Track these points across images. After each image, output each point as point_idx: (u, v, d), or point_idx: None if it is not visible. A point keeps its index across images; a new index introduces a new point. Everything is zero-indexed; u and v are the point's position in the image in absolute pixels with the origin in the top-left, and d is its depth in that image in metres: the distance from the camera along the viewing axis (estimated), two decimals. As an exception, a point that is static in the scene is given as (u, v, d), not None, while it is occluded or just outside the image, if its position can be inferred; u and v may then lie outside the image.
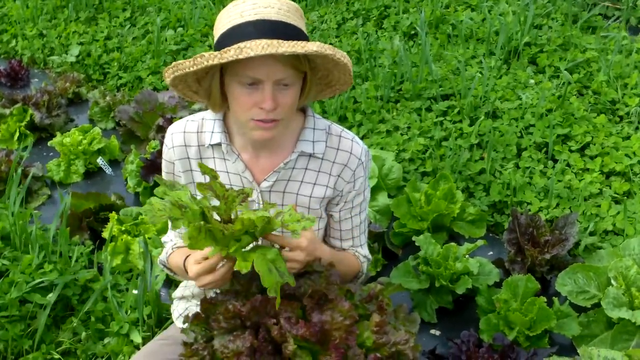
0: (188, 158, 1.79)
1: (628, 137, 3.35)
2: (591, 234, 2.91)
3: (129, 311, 2.58)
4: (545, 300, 2.39)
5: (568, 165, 3.27)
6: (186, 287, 2.03)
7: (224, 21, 1.60)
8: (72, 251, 2.82)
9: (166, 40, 4.91)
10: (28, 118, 4.10)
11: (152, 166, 3.31)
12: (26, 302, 2.59)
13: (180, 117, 3.60)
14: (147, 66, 4.72)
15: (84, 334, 2.54)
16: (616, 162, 3.19)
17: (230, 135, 1.76)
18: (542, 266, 2.67)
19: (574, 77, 3.76)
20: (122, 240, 2.90)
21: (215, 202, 1.53)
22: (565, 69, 3.79)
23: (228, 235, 1.45)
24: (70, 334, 2.56)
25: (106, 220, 3.11)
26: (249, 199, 1.75)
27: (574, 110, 3.51)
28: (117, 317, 2.54)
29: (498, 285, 2.59)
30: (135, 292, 2.57)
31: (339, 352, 1.44)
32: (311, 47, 1.50)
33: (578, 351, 2.30)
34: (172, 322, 2.10)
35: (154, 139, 3.65)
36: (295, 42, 1.50)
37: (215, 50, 1.57)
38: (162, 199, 1.46)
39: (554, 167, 3.26)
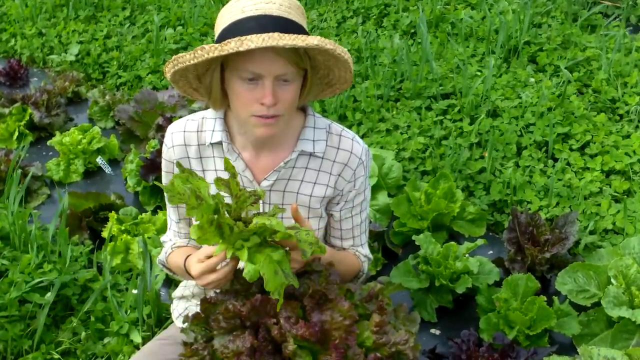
0: (188, 157, 1.79)
1: (628, 136, 3.35)
2: (591, 232, 2.90)
3: (129, 311, 2.58)
4: (545, 299, 2.39)
5: (568, 164, 3.26)
6: (186, 287, 2.03)
7: (226, 17, 1.60)
8: (72, 251, 2.82)
9: (166, 39, 4.90)
10: (27, 117, 4.09)
11: (152, 165, 3.31)
12: (25, 302, 2.59)
13: (180, 116, 3.62)
14: (146, 65, 4.72)
15: (83, 333, 2.54)
16: (616, 161, 3.19)
17: (231, 135, 1.76)
18: (542, 265, 2.67)
19: (574, 76, 3.76)
20: (122, 239, 2.90)
21: (228, 200, 1.53)
22: (565, 68, 3.78)
23: (236, 233, 1.45)
24: (70, 334, 2.56)
25: (106, 219, 3.10)
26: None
27: (574, 109, 3.51)
28: (116, 317, 2.54)
29: (498, 284, 2.59)
30: (135, 291, 2.57)
31: (339, 352, 1.44)
32: (312, 40, 1.50)
33: (578, 350, 2.30)
34: (172, 321, 2.10)
35: (153, 138, 3.64)
36: (296, 35, 1.50)
37: None
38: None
39: (554, 165, 3.25)
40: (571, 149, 3.33)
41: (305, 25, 1.62)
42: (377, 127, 3.69)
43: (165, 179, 1.86)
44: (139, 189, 3.46)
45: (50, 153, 3.99)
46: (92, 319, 2.58)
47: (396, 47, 4.20)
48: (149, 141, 3.66)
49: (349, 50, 4.32)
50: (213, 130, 1.74)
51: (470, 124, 3.56)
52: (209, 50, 1.51)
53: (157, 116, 3.77)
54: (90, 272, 2.76)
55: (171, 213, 1.90)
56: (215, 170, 1.77)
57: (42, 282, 2.61)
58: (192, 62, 1.54)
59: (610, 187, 3.10)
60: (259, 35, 1.48)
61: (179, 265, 1.79)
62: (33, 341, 2.52)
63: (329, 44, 1.53)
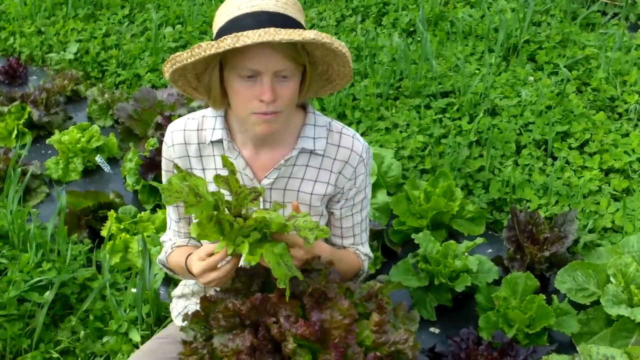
0: (188, 156, 1.79)
1: (627, 134, 3.35)
2: (590, 231, 2.90)
3: (128, 310, 2.57)
4: (545, 297, 2.39)
5: (567, 162, 3.26)
6: (185, 286, 2.02)
7: (223, 15, 1.60)
8: (71, 250, 2.82)
9: (165, 37, 4.89)
10: (26, 116, 4.09)
11: (151, 164, 3.31)
12: (24, 300, 2.59)
13: (179, 115, 3.62)
14: (145, 63, 4.71)
15: (82, 332, 2.54)
16: (615, 160, 3.19)
17: (231, 133, 1.76)
18: (541, 264, 2.67)
19: (573, 74, 3.76)
20: (121, 238, 2.90)
21: (228, 197, 1.53)
22: (564, 66, 3.78)
23: (236, 229, 1.45)
24: (69, 333, 2.56)
25: (105, 218, 3.10)
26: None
27: (573, 108, 3.51)
28: (115, 315, 2.54)
29: (497, 283, 2.59)
30: (134, 290, 2.57)
31: (339, 350, 1.44)
32: (309, 34, 1.49)
33: (577, 349, 2.30)
34: (171, 320, 2.10)
35: (152, 137, 3.64)
36: (292, 30, 1.49)
37: None
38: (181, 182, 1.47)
39: (553, 164, 3.25)
40: (570, 148, 3.33)
41: (302, 21, 1.62)
42: (376, 126, 3.69)
43: (165, 178, 1.86)
44: (138, 187, 3.46)
45: (49, 152, 3.98)
46: (91, 317, 2.58)
47: (395, 46, 4.20)
48: (148, 140, 3.66)
49: (348, 48, 4.32)
50: (213, 129, 1.74)
51: (470, 122, 3.56)
52: (206, 48, 1.51)
53: (156, 114, 3.77)
54: (89, 271, 2.76)
55: (171, 212, 1.90)
56: (216, 168, 1.77)
57: (41, 281, 2.60)
58: (189, 60, 1.54)
59: (609, 185, 3.10)
60: (255, 31, 1.47)
61: (180, 265, 1.79)
62: (32, 340, 2.52)
63: (325, 37, 1.52)
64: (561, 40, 4.06)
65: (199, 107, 3.60)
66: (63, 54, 5.10)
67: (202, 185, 1.48)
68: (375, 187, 3.10)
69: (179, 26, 5.02)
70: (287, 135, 1.75)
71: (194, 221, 1.46)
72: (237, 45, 1.47)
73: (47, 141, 3.84)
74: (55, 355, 2.48)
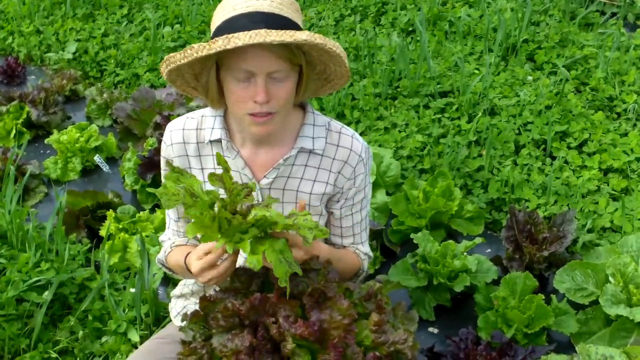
0: (187, 155, 1.79)
1: (626, 134, 3.35)
2: (589, 231, 2.91)
3: (127, 310, 2.57)
4: (543, 297, 2.39)
5: (566, 162, 3.26)
6: (185, 285, 2.02)
7: (219, 15, 1.60)
8: (69, 249, 2.82)
9: (163, 37, 4.89)
10: (25, 115, 4.08)
11: (150, 164, 3.30)
12: (23, 300, 2.58)
13: (178, 115, 3.61)
14: (144, 63, 4.71)
15: (81, 332, 2.54)
16: (614, 159, 3.19)
17: (230, 132, 1.76)
18: (540, 263, 2.67)
19: (572, 74, 3.76)
20: (120, 238, 2.89)
21: (223, 195, 1.53)
22: (563, 66, 3.78)
23: (234, 226, 1.45)
24: (68, 333, 2.56)
25: (103, 218, 3.10)
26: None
27: (571, 107, 3.51)
28: (114, 315, 2.53)
29: (496, 282, 2.59)
30: (132, 290, 2.57)
31: (338, 351, 1.44)
32: (300, 35, 1.49)
33: (576, 348, 2.30)
34: (170, 320, 2.10)
35: (151, 137, 3.64)
36: (284, 31, 1.49)
37: None
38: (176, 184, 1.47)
39: (552, 164, 3.26)
40: (569, 147, 3.33)
41: (299, 21, 1.62)
42: (375, 125, 3.69)
43: (164, 177, 1.85)
44: (136, 187, 3.45)
45: (48, 151, 3.98)
46: (90, 317, 2.58)
47: (394, 45, 4.20)
48: (146, 139, 3.66)
49: (346, 49, 4.32)
50: (212, 128, 1.74)
51: (468, 122, 3.56)
52: (198, 50, 1.51)
53: (154, 114, 3.77)
54: (88, 271, 2.75)
55: (170, 212, 1.90)
56: (214, 168, 1.77)
57: (39, 280, 2.60)
58: (182, 61, 1.54)
59: (608, 185, 3.11)
60: (246, 32, 1.47)
61: (179, 264, 1.78)
62: (30, 340, 2.51)
63: (318, 38, 1.51)
64: (560, 40, 4.06)
65: (198, 107, 3.60)
66: (62, 54, 5.09)
67: (196, 185, 1.48)
68: (374, 187, 3.10)
69: (177, 26, 5.01)
70: (286, 134, 1.75)
71: (190, 221, 1.46)
72: (228, 47, 1.47)
73: (46, 141, 3.84)
74: (54, 355, 2.48)
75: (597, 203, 3.02)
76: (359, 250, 1.92)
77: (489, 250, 2.97)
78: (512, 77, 3.84)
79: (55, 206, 2.99)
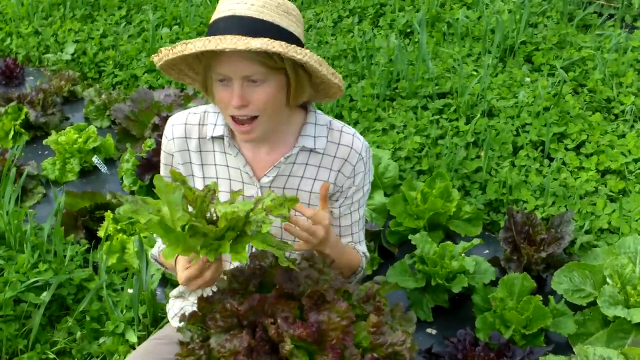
0: (188, 150, 1.79)
1: (623, 136, 3.36)
2: (587, 232, 2.91)
3: (125, 310, 2.57)
4: (541, 298, 2.39)
5: (564, 163, 3.27)
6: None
7: (213, 17, 1.63)
8: (67, 250, 2.81)
9: (162, 38, 4.89)
10: (23, 116, 4.08)
11: (148, 165, 3.30)
12: (21, 301, 2.58)
13: (176, 116, 3.61)
14: (142, 64, 4.71)
15: (79, 333, 2.53)
16: (611, 161, 3.19)
17: (232, 130, 1.76)
18: (538, 264, 2.67)
19: (570, 76, 3.76)
20: (118, 239, 2.89)
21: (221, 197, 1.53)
22: (561, 67, 3.79)
23: (210, 237, 1.44)
24: (66, 334, 2.56)
25: (102, 219, 3.10)
26: (249, 195, 1.75)
27: (569, 109, 3.52)
28: (112, 316, 2.53)
29: (494, 283, 2.59)
30: (130, 291, 2.57)
31: (336, 352, 1.44)
32: (255, 43, 1.47)
33: (574, 349, 2.30)
34: (168, 321, 2.09)
35: (149, 138, 3.64)
36: (248, 38, 1.48)
37: None
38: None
39: (549, 165, 3.26)
40: (567, 149, 3.33)
41: (283, 24, 1.58)
42: (373, 127, 3.69)
43: (163, 171, 1.85)
44: (134, 188, 3.45)
45: (46, 152, 3.98)
46: (88, 318, 2.58)
47: (392, 47, 4.20)
48: (145, 140, 3.66)
49: (345, 50, 4.33)
50: (215, 124, 1.75)
51: (467, 123, 3.57)
52: (166, 54, 1.58)
53: (153, 115, 3.76)
54: (86, 272, 2.75)
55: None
56: (215, 164, 1.78)
57: (37, 281, 2.60)
58: (168, 57, 1.58)
59: (605, 186, 3.11)
60: (219, 37, 1.49)
61: (169, 264, 1.80)
62: (28, 341, 2.51)
63: (278, 46, 1.49)
64: (557, 41, 4.07)
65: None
66: (60, 55, 5.09)
67: (166, 214, 1.42)
68: (373, 188, 3.09)
69: (176, 27, 5.01)
70: (288, 133, 1.76)
71: (164, 246, 1.43)
72: (186, 52, 1.52)
73: (44, 142, 3.83)
74: (52, 356, 2.48)
75: (594, 204, 3.03)
76: (357, 249, 1.92)
77: (487, 251, 2.97)
78: (510, 78, 3.85)
79: (53, 207, 2.99)
